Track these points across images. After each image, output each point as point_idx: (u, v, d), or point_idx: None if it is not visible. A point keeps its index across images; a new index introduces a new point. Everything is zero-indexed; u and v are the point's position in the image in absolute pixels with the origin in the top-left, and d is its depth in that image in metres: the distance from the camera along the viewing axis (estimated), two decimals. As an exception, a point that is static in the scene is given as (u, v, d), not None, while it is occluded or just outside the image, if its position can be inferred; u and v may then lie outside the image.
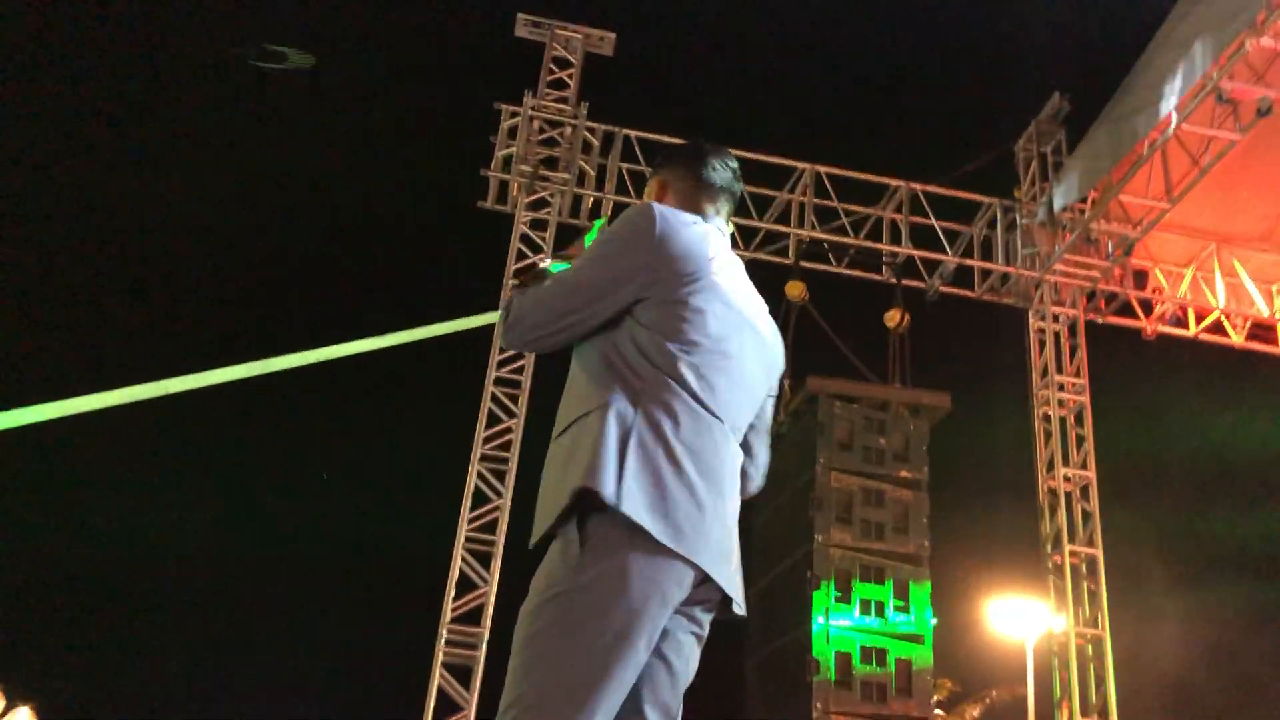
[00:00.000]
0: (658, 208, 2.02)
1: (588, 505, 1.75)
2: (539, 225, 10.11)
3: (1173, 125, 8.27)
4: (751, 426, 2.12)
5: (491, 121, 10.37)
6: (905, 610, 9.78)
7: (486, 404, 9.24)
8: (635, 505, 1.73)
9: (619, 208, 10.04)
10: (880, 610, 9.67)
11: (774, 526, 11.80)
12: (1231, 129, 8.02)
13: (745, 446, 2.10)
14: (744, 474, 2.09)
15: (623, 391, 1.88)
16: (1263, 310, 9.55)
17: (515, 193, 10.23)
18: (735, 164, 2.28)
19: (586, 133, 10.33)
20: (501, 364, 9.44)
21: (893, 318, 10.23)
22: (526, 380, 9.41)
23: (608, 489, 1.73)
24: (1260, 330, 9.72)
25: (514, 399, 9.32)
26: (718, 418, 1.92)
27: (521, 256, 9.92)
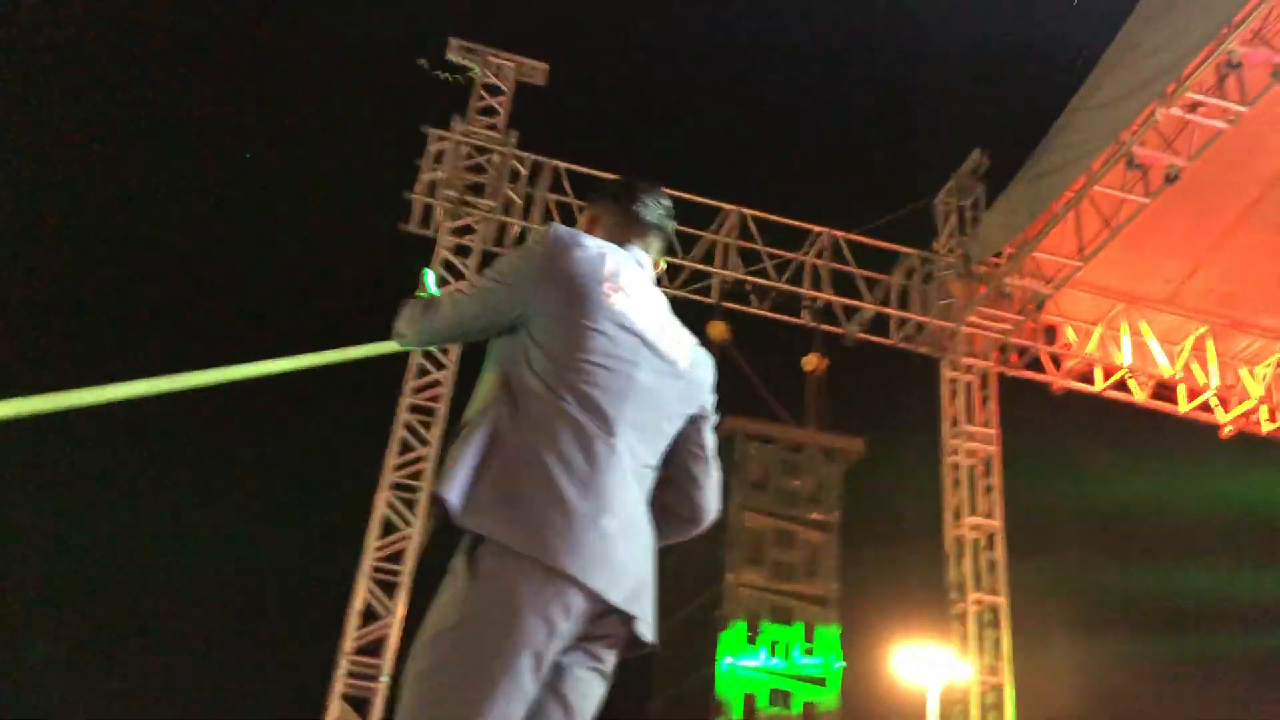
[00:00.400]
0: (555, 229, 2.04)
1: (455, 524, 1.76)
2: (462, 251, 10.02)
3: (1086, 187, 8.53)
4: (692, 454, 2.09)
5: (418, 145, 10.29)
6: (812, 653, 9.82)
7: (399, 431, 9.08)
8: (483, 516, 1.70)
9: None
10: (788, 652, 9.69)
11: (685, 565, 11.80)
12: (1141, 193, 8.29)
13: (687, 475, 2.09)
14: (692, 501, 2.09)
15: (505, 404, 1.88)
16: (1165, 370, 9.84)
17: (439, 217, 10.13)
18: (668, 203, 2.27)
19: (515, 161, 10.30)
20: (417, 390, 9.29)
21: (810, 361, 10.34)
22: (442, 408, 9.27)
23: (453, 496, 1.72)
24: (1163, 390, 10.02)
25: (427, 426, 9.17)
26: (604, 434, 1.88)
27: (442, 283, 9.77)
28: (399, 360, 9.54)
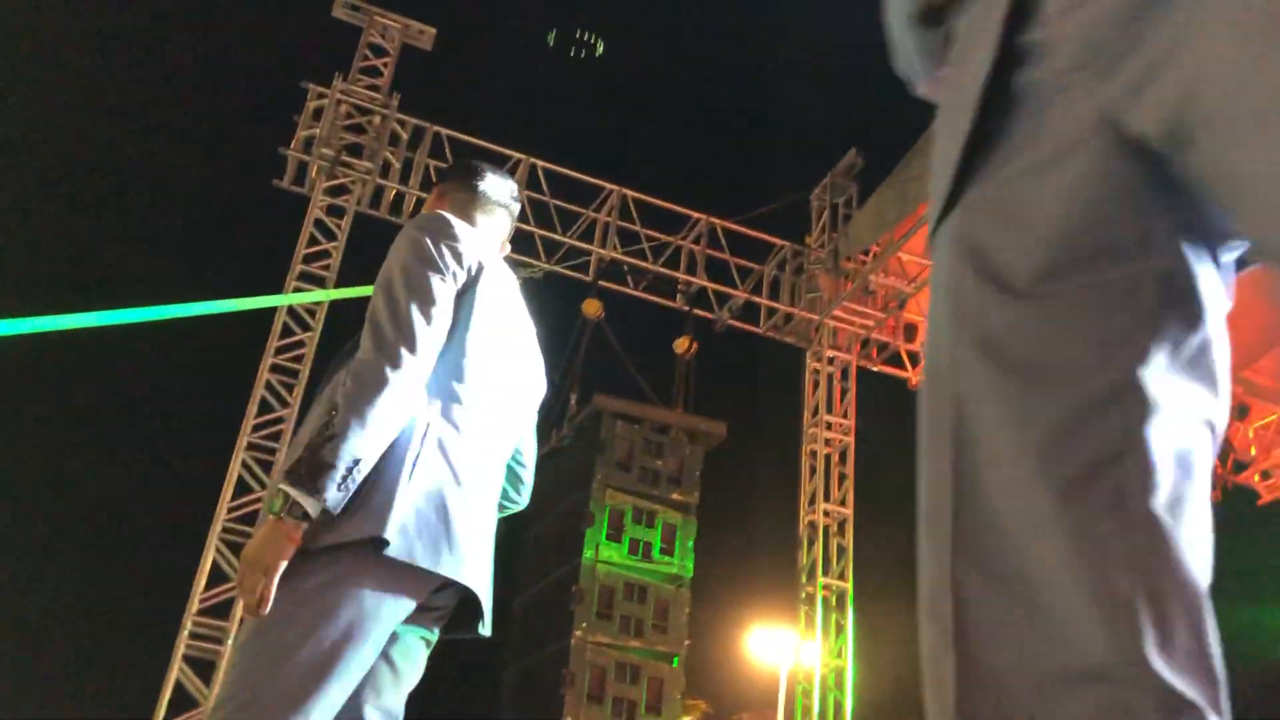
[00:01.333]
0: (443, 213, 2.07)
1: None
2: (336, 212, 9.82)
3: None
4: (527, 436, 2.18)
5: (297, 100, 10.04)
6: (663, 629, 10.01)
7: (260, 391, 8.88)
8: (359, 517, 1.73)
9: (421, 203, 9.88)
10: (639, 629, 9.86)
11: (546, 540, 11.86)
12: (1001, 203, 8.65)
13: (518, 462, 2.17)
14: (523, 482, 2.18)
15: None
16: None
17: (314, 175, 9.91)
18: (514, 187, 2.36)
19: (396, 125, 10.14)
20: (280, 350, 9.10)
21: (681, 344, 10.50)
22: (304, 370, 9.10)
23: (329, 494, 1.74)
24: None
25: (289, 388, 9.00)
26: (481, 428, 1.94)
27: (314, 241, 9.61)
28: (263, 318, 9.32)
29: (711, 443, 11.17)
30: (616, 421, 10.89)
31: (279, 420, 8.81)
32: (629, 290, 10.56)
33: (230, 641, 7.97)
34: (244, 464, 8.57)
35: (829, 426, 10.16)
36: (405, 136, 10.16)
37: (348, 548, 1.73)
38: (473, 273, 2.01)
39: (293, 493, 1.68)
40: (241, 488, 8.52)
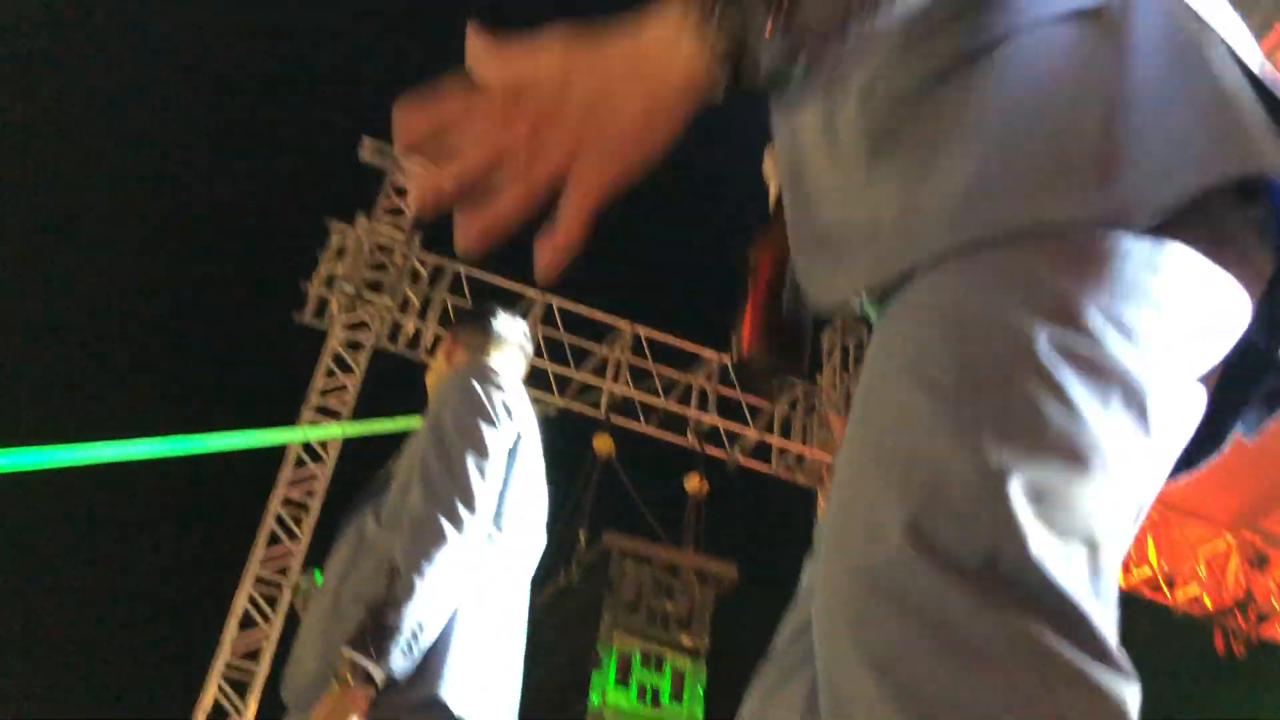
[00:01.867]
0: (488, 362, 2.15)
1: None
2: (354, 346, 9.95)
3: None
4: None
5: (319, 237, 10.30)
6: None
7: (270, 523, 8.84)
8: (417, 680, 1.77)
9: (438, 340, 10.01)
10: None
11: (550, 684, 11.59)
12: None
13: None
14: None
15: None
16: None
17: (334, 310, 10.07)
18: (525, 325, 2.43)
19: (417, 263, 10.36)
20: (293, 483, 9.09)
21: (692, 482, 10.45)
22: (315, 503, 9.07)
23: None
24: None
25: (299, 521, 8.95)
26: (513, 573, 2.01)
27: (330, 375, 9.71)
28: (274, 454, 9.33)
29: (723, 585, 10.99)
30: (626, 561, 10.77)
31: (287, 554, 8.73)
32: (640, 427, 10.58)
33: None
34: (249, 597, 8.46)
35: (842, 569, 10.02)
36: (425, 274, 10.36)
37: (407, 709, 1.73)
38: (519, 423, 2.04)
39: (359, 660, 1.66)
40: (246, 621, 8.39)
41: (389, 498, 2.04)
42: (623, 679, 10.08)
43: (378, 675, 1.65)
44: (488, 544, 1.91)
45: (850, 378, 10.56)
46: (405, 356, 10.20)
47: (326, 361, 9.74)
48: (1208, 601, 10.44)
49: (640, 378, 10.55)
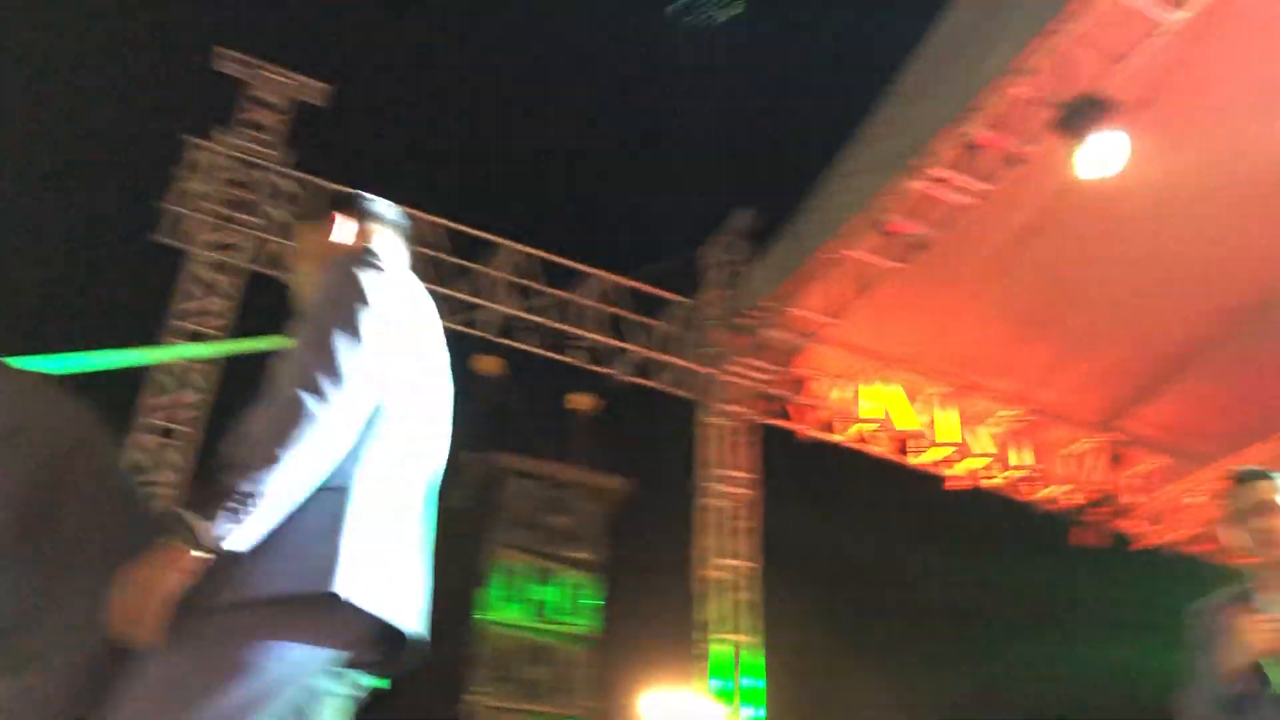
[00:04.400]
0: (369, 245, 2.06)
1: None
2: (216, 267, 9.54)
3: (839, 250, 9.03)
4: None
5: (176, 152, 9.75)
6: (565, 691, 9.80)
7: (131, 452, 8.50)
8: (300, 569, 1.65)
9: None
10: (538, 692, 9.63)
11: (438, 601, 11.54)
12: (890, 258, 8.86)
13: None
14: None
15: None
16: (904, 425, 10.49)
17: (193, 230, 9.61)
18: (400, 210, 2.32)
19: (288, 180, 9.92)
20: (154, 410, 8.74)
21: (579, 401, 10.42)
22: (189, 429, 8.75)
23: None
24: (901, 444, 10.68)
25: (164, 448, 8.63)
26: (412, 459, 1.89)
27: (190, 297, 9.31)
28: (132, 375, 8.94)
29: (613, 500, 11.05)
30: (514, 479, 10.71)
31: (150, 485, 8.42)
32: (526, 347, 10.46)
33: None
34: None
35: (726, 481, 10.16)
36: (292, 193, 9.94)
37: (285, 601, 1.61)
38: (402, 305, 1.94)
39: (186, 515, 1.55)
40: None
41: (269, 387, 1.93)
42: (510, 594, 10.15)
43: (202, 536, 1.54)
44: (370, 433, 1.79)
45: (732, 294, 10.59)
46: (280, 278, 9.83)
47: (186, 283, 9.30)
48: (1073, 498, 10.93)
49: (526, 296, 10.40)
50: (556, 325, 10.39)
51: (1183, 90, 7.42)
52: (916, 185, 8.13)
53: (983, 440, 10.76)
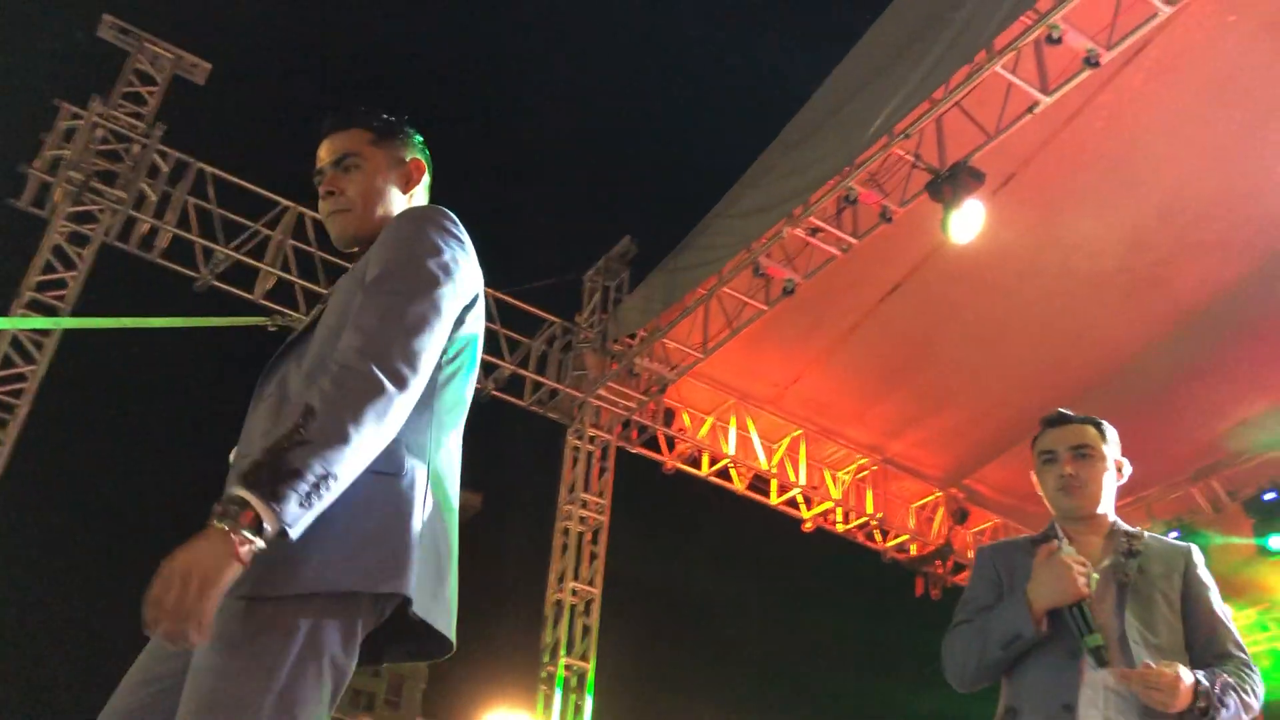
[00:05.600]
0: (446, 210, 1.88)
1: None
2: (79, 240, 9.12)
3: (715, 287, 9.21)
4: None
5: (48, 118, 9.31)
6: (396, 705, 9.60)
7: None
8: (375, 564, 1.57)
9: (178, 241, 9.35)
10: (370, 704, 9.40)
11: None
12: (762, 301, 9.07)
13: None
14: None
15: (420, 451, 1.67)
16: (763, 464, 10.71)
17: (58, 200, 9.18)
18: None
19: (157, 156, 9.57)
20: (-2, 382, 8.29)
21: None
22: (23, 408, 8.31)
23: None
24: (759, 482, 10.88)
25: (3, 424, 8.18)
26: (458, 458, 1.82)
27: (49, 269, 8.87)
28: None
29: (465, 514, 10.90)
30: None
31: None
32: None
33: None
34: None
35: (585, 505, 10.18)
36: (166, 170, 9.61)
37: (351, 596, 1.49)
38: (474, 284, 1.81)
39: (249, 498, 1.36)
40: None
41: (311, 346, 1.76)
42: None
43: (269, 521, 1.36)
44: (434, 421, 1.68)
45: (608, 318, 10.67)
46: (139, 256, 9.44)
47: (45, 253, 8.87)
48: (914, 549, 11.31)
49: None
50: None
51: (1047, 169, 7.86)
52: (795, 232, 8.36)
53: (834, 486, 11.06)
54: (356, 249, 2.02)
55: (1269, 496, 9.66)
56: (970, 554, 11.48)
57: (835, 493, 11.02)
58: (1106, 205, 8.04)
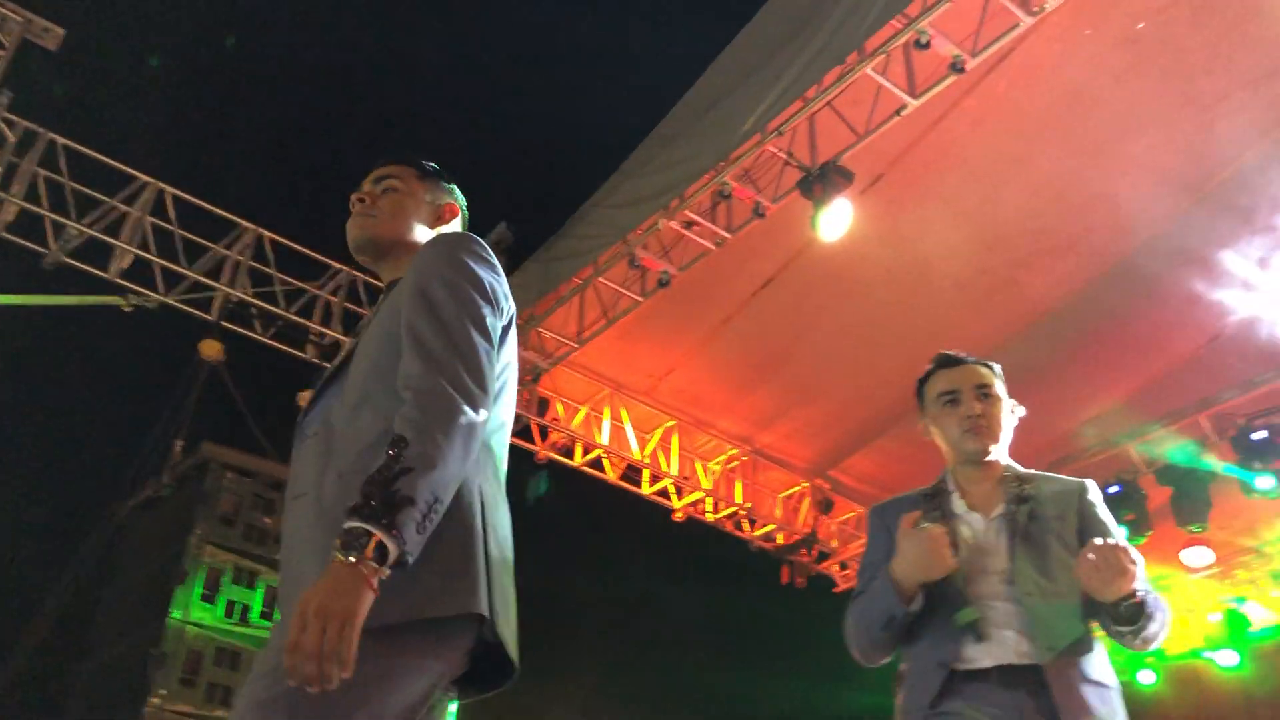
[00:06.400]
0: (477, 240, 1.95)
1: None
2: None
3: (591, 277, 9.20)
4: None
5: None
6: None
7: None
8: (451, 587, 1.60)
9: (26, 214, 8.86)
10: (228, 699, 9.13)
11: (130, 598, 10.80)
12: (638, 292, 9.10)
13: None
14: None
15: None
16: (636, 454, 10.77)
17: (-111, 167, 8.60)
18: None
19: (4, 125, 9.04)
20: None
21: (305, 398, 10.02)
22: None
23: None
24: (631, 472, 10.94)
25: None
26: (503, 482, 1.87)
27: None
28: None
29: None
30: (225, 473, 10.15)
31: None
32: (255, 335, 9.98)
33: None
34: None
35: (453, 494, 10.08)
36: (13, 139, 9.09)
37: (431, 625, 1.50)
38: (510, 314, 1.90)
39: (370, 529, 1.37)
40: None
41: (352, 378, 1.79)
42: (210, 595, 9.55)
43: (392, 549, 1.38)
44: (495, 454, 1.77)
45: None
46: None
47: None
48: (780, 538, 11.55)
49: (260, 282, 9.93)
50: (294, 317, 9.98)
51: (913, 170, 8.10)
52: (670, 225, 8.41)
53: (705, 476, 11.20)
54: (366, 258, 2.10)
55: (1113, 490, 10.17)
56: (834, 543, 11.78)
57: (706, 483, 11.16)
58: (968, 208, 8.32)
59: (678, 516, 11.13)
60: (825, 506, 11.50)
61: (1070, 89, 7.38)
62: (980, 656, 2.34)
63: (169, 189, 9.52)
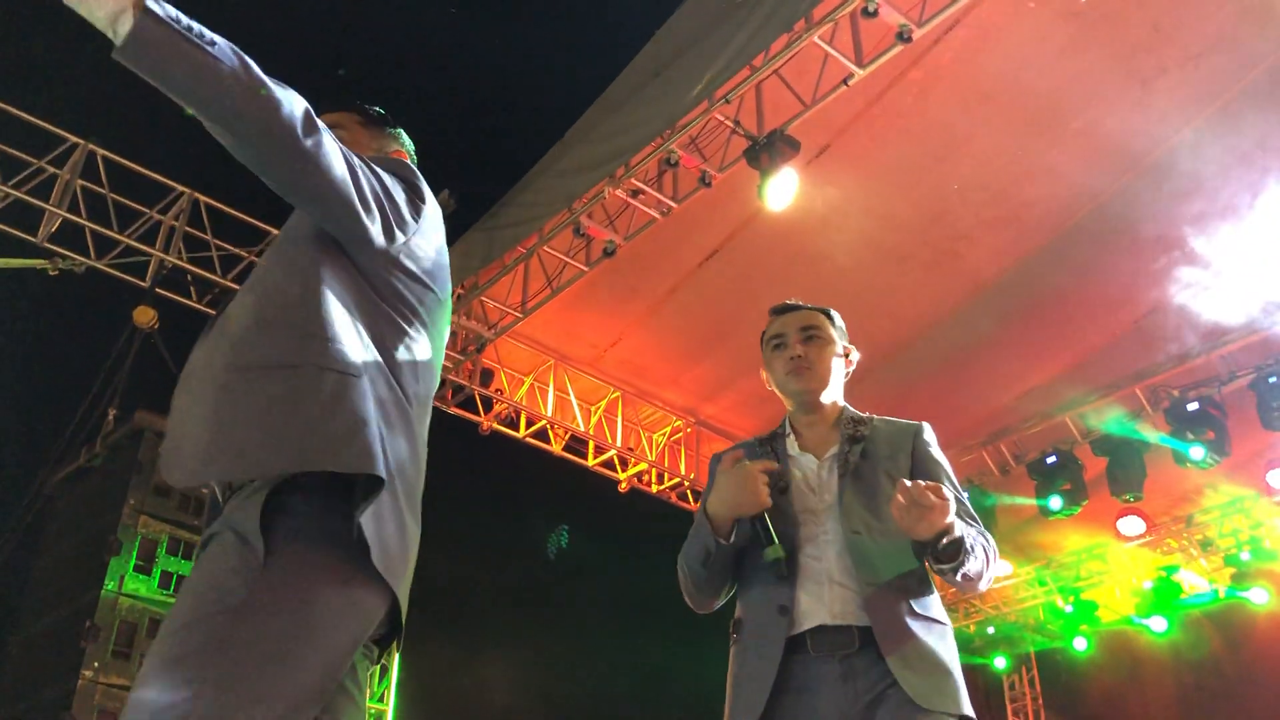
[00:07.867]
0: (402, 162, 2.01)
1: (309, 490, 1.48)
2: None
3: (536, 246, 9.11)
4: None
5: None
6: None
7: None
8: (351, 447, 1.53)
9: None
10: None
11: (62, 569, 10.57)
12: (583, 261, 9.03)
13: None
14: None
15: (376, 362, 1.65)
16: (580, 426, 10.73)
17: None
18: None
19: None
20: None
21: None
22: None
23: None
24: (576, 443, 10.90)
25: None
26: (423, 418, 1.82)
27: None
28: None
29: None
30: (160, 442, 9.91)
31: None
32: (190, 303, 9.76)
33: None
34: None
35: (395, 464, 9.97)
36: (-68, 97, 8.74)
37: (328, 550, 1.48)
38: (429, 199, 1.90)
39: None
40: None
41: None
42: (145, 566, 9.38)
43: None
44: (410, 341, 1.77)
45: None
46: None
47: None
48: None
49: (196, 248, 9.70)
50: (230, 284, 9.77)
51: (859, 141, 8.10)
52: (616, 194, 8.34)
53: (650, 448, 11.20)
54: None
55: (1050, 460, 10.34)
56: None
57: (651, 454, 11.16)
58: (912, 179, 8.36)
59: (623, 488, 11.13)
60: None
61: (1014, 62, 7.43)
62: (811, 606, 2.33)
63: (100, 150, 9.25)
